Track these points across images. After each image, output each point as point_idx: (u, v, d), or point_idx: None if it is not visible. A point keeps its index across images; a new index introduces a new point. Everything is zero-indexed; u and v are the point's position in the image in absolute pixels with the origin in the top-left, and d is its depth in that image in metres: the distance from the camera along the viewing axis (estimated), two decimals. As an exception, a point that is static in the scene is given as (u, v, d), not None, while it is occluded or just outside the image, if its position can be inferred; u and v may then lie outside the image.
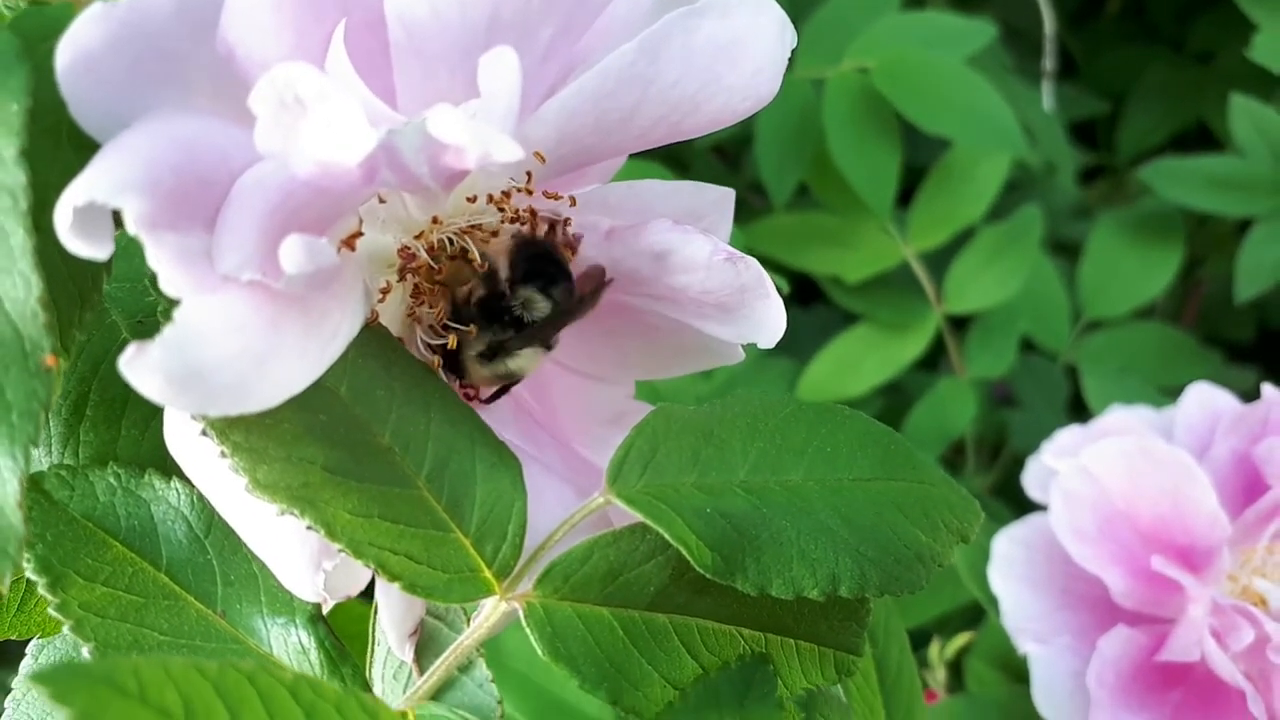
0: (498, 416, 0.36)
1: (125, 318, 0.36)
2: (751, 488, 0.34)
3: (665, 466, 0.33)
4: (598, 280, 0.35)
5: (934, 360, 1.06)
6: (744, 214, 0.98)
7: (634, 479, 0.33)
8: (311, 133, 0.26)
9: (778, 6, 0.33)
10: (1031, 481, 0.65)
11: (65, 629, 0.30)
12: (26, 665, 0.39)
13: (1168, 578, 0.57)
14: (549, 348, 0.35)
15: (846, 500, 0.35)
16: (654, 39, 0.31)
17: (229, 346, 0.26)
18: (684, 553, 0.31)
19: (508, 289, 0.33)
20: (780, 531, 0.33)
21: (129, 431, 0.34)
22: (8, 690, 0.38)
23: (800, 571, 0.32)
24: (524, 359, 0.34)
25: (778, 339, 0.36)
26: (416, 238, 0.32)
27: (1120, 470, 0.59)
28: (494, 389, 0.35)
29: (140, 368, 0.24)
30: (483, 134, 0.26)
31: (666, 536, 0.31)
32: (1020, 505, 0.81)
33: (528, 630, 0.31)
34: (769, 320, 0.36)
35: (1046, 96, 1.15)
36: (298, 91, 0.25)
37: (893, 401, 1.02)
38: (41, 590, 0.30)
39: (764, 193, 0.96)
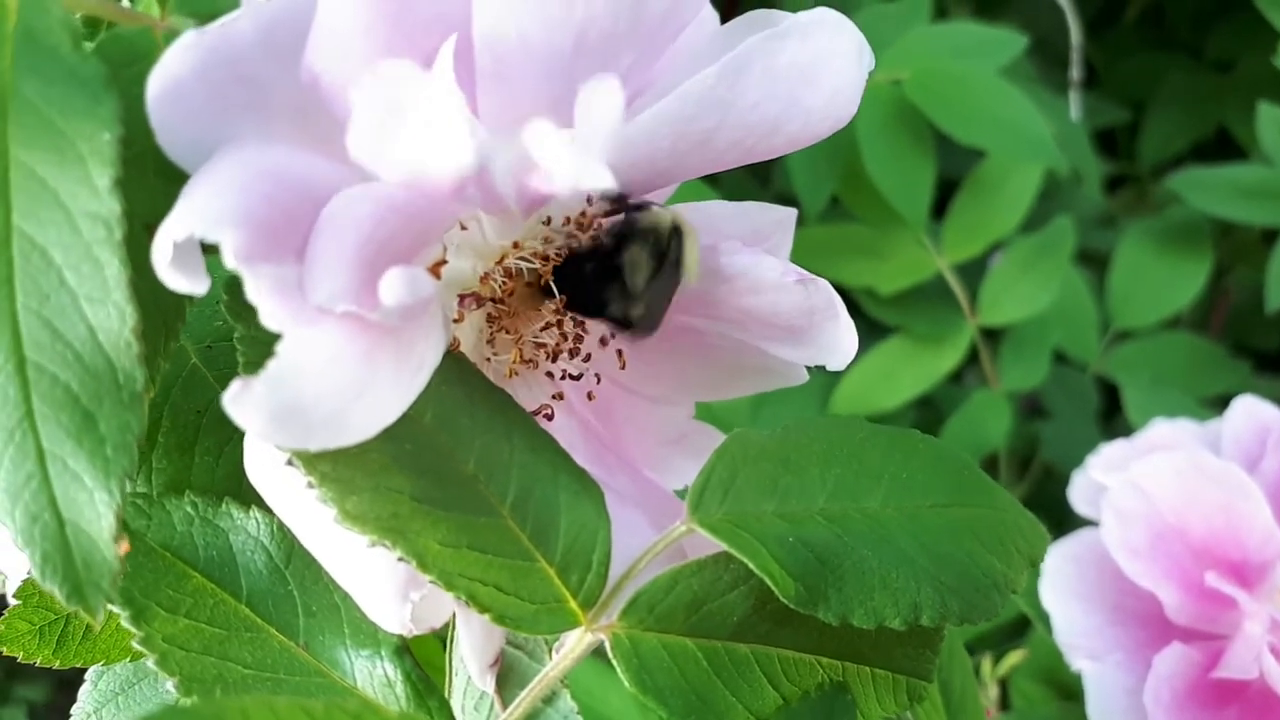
0: (567, 440, 0.35)
1: (194, 343, 0.36)
2: (831, 515, 0.33)
3: (745, 494, 0.33)
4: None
5: (960, 373, 1.06)
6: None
7: (715, 507, 0.32)
8: (409, 136, 0.25)
9: (855, 28, 0.33)
10: (1078, 496, 0.64)
11: (150, 662, 0.29)
12: (85, 692, 0.39)
13: (1222, 594, 0.57)
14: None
15: (925, 527, 0.34)
16: (736, 62, 0.30)
17: (328, 380, 0.25)
18: (768, 583, 0.30)
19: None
20: (862, 560, 0.32)
21: (202, 459, 0.34)
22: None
23: (882, 601, 0.32)
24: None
25: (849, 361, 0.36)
26: (498, 263, 0.32)
27: (1172, 485, 0.58)
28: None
29: (245, 404, 0.24)
30: (578, 160, 0.26)
31: (751, 566, 0.31)
32: (1052, 517, 0.80)
33: (615, 662, 0.30)
34: (839, 342, 0.35)
35: (1074, 106, 1.14)
36: (401, 92, 0.25)
37: (923, 415, 1.01)
38: (125, 623, 0.30)
39: (794, 205, 0.95)
